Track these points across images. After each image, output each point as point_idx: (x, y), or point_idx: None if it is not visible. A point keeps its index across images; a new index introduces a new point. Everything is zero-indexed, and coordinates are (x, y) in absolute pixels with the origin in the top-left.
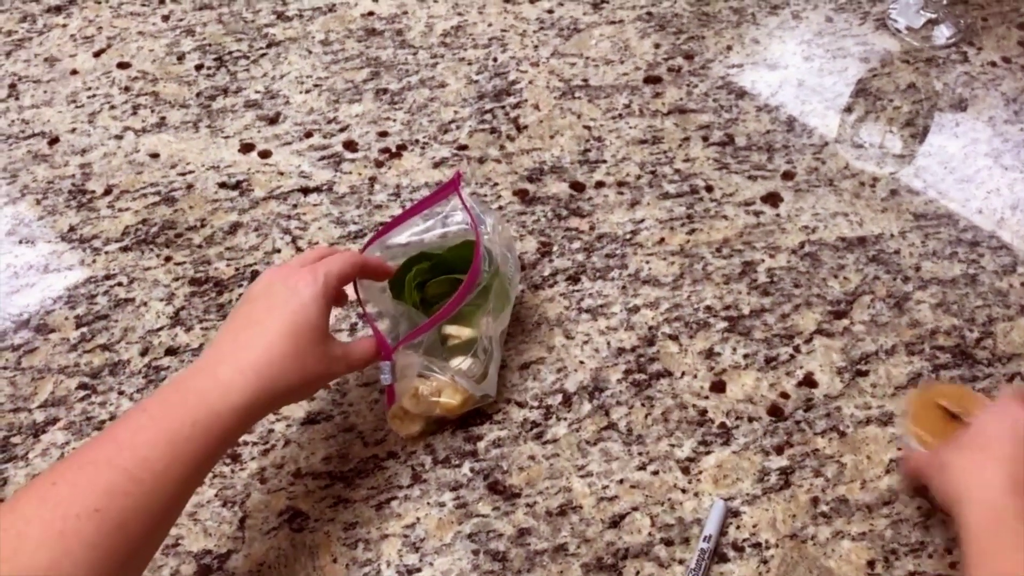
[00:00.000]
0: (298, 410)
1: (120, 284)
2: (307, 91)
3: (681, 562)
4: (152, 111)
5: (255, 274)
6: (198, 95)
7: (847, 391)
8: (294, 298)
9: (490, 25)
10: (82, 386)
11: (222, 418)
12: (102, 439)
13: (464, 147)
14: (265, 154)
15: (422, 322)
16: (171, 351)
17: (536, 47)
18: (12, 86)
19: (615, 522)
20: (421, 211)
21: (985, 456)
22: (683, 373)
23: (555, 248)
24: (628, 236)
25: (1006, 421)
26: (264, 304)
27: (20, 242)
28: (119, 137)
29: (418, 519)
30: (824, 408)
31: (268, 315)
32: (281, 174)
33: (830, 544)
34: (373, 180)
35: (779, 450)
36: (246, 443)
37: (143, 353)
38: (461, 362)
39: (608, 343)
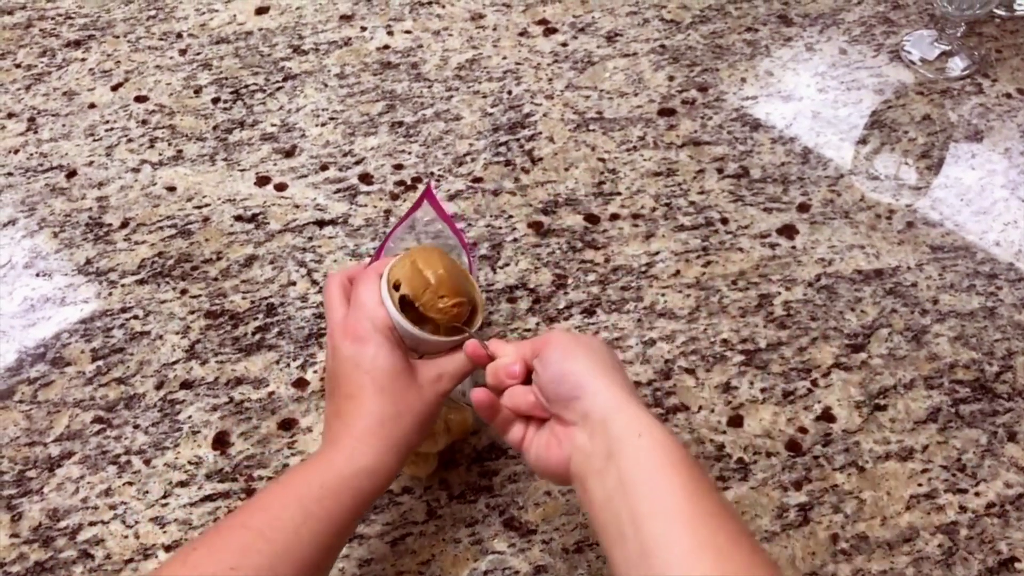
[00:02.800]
0: (312, 446)
1: (136, 317)
2: (323, 124)
3: None
4: (169, 144)
5: (270, 307)
6: (215, 128)
7: (865, 426)
8: (363, 360)
9: (504, 58)
10: (97, 420)
11: (350, 480)
12: (239, 509)
13: (479, 179)
14: (281, 187)
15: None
16: (186, 384)
17: (550, 80)
18: (31, 119)
19: None
20: (404, 222)
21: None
22: (700, 407)
23: (570, 280)
24: (643, 269)
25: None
26: (344, 379)
27: (37, 275)
28: (136, 170)
29: (433, 556)
30: (843, 443)
31: (354, 386)
32: (297, 207)
33: None
34: (388, 213)
35: (797, 486)
36: (261, 477)
37: (158, 387)
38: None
39: None
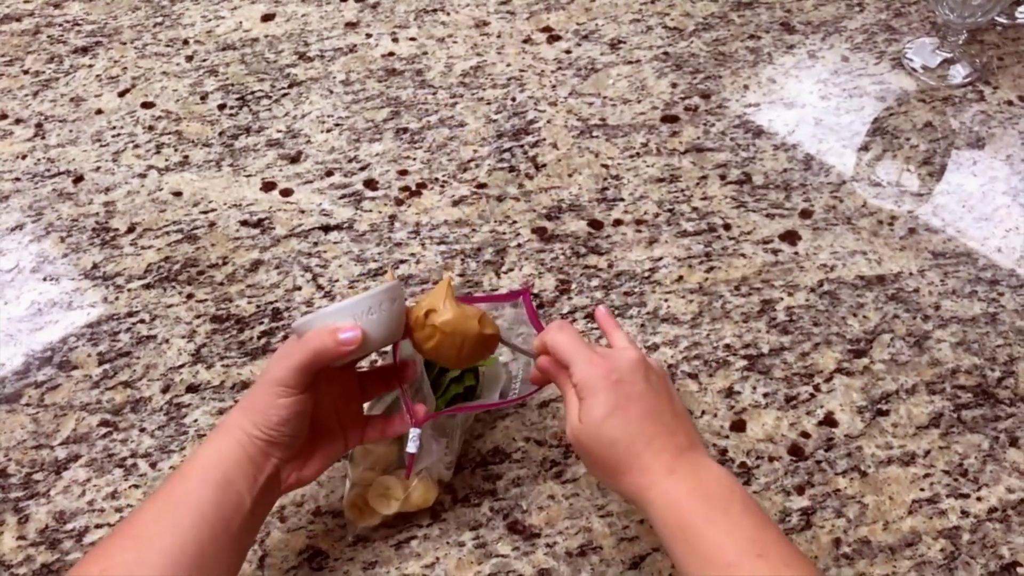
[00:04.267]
0: None
1: (142, 321)
2: (328, 130)
3: None
4: (175, 150)
5: (276, 311)
6: (221, 134)
7: (868, 431)
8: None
9: (508, 65)
10: (104, 423)
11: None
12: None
13: (483, 185)
14: (286, 192)
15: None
16: (192, 388)
17: (554, 87)
18: (39, 125)
19: (636, 563)
20: (487, 302)
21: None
22: (703, 412)
23: (573, 286)
24: (646, 274)
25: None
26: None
27: (44, 279)
28: (143, 175)
29: (437, 559)
30: (845, 448)
31: None
32: (302, 212)
33: None
34: (393, 218)
35: (800, 490)
36: None
37: (164, 390)
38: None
39: None
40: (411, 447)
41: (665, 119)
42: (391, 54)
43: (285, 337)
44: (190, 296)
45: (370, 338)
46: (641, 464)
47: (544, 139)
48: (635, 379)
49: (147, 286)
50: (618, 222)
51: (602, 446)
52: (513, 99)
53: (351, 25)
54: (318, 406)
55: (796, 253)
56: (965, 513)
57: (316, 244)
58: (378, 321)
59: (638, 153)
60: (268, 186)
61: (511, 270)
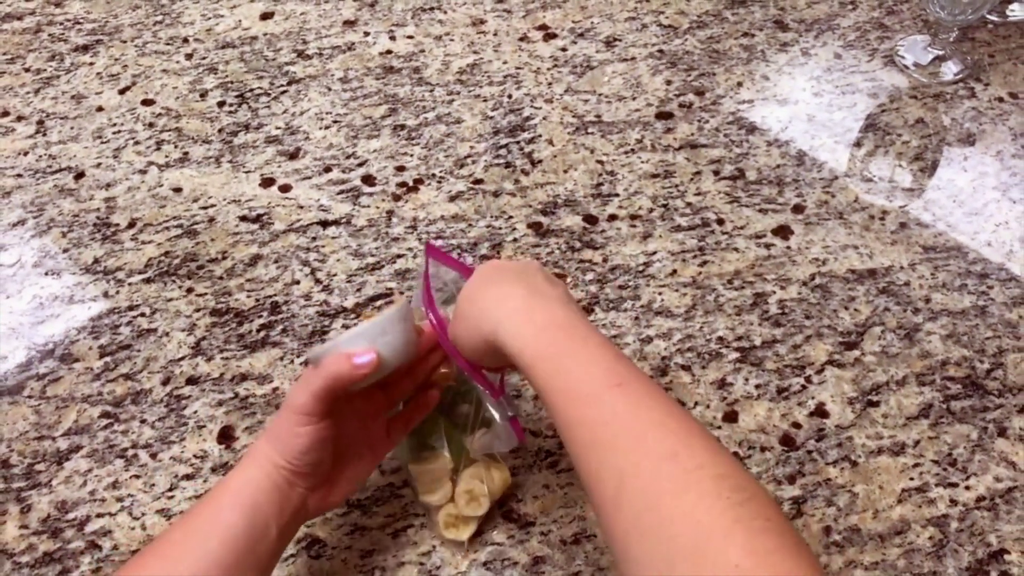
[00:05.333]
0: None
1: (143, 315)
2: (326, 127)
3: None
4: (175, 146)
5: (275, 305)
6: (220, 131)
7: (859, 421)
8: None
9: (505, 63)
10: (105, 414)
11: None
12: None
13: (480, 181)
14: (285, 188)
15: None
16: (192, 380)
17: (550, 84)
18: (40, 122)
19: None
20: (428, 284)
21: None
22: (696, 403)
23: (569, 280)
24: (641, 268)
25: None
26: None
27: (46, 274)
28: (143, 172)
29: (434, 547)
30: (836, 438)
31: None
32: (301, 208)
33: (843, 574)
34: (391, 213)
35: (791, 479)
36: None
37: (165, 382)
38: (481, 434)
39: None
40: (510, 410)
41: (660, 116)
42: (389, 52)
43: (284, 330)
44: (190, 290)
45: (385, 360)
46: (500, 313)
47: (540, 135)
48: (490, 273)
49: (147, 280)
50: (613, 217)
51: (469, 319)
52: (509, 96)
53: (349, 23)
54: (342, 431)
55: (788, 247)
56: (954, 502)
57: (314, 239)
58: (392, 343)
59: (633, 149)
60: (267, 182)
61: None
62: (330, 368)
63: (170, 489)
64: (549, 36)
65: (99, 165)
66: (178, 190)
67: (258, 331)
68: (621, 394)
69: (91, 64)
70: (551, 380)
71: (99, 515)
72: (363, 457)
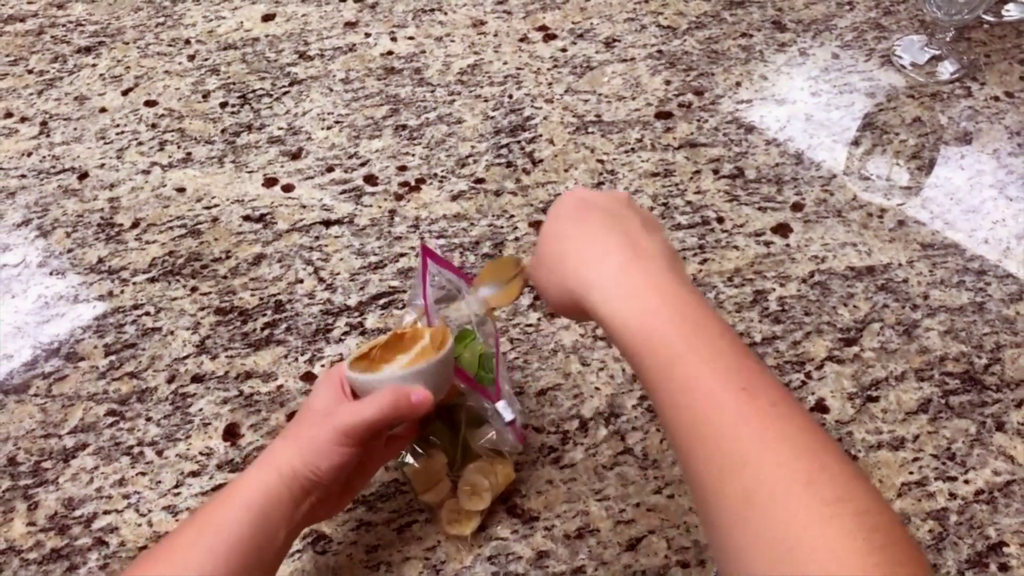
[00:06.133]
0: None
1: (147, 314)
2: (328, 127)
3: None
4: (178, 147)
5: (278, 304)
6: (223, 131)
7: (858, 416)
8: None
9: (505, 63)
10: (111, 412)
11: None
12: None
13: (481, 180)
14: (288, 188)
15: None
16: (197, 378)
17: (550, 84)
18: (44, 124)
19: (632, 545)
20: (426, 286)
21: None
22: None
23: None
24: None
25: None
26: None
27: (51, 273)
28: (146, 172)
29: (439, 542)
30: (836, 433)
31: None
32: (303, 207)
33: None
34: (393, 213)
35: None
36: None
37: (170, 381)
38: (484, 430)
39: (623, 369)
40: (507, 415)
41: (659, 115)
42: (390, 53)
43: (288, 329)
44: (194, 289)
45: (433, 400)
46: (592, 274)
47: (541, 135)
48: (576, 205)
49: (152, 280)
50: None
51: (553, 269)
52: (510, 96)
53: (350, 25)
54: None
55: (788, 245)
56: (953, 495)
57: (317, 238)
58: (440, 385)
59: (633, 149)
60: (270, 182)
61: None
62: (387, 399)
63: (176, 486)
64: (549, 37)
65: (103, 166)
66: (181, 190)
67: (262, 329)
68: (748, 400)
69: (94, 65)
70: (661, 374)
71: (106, 512)
72: (365, 472)
